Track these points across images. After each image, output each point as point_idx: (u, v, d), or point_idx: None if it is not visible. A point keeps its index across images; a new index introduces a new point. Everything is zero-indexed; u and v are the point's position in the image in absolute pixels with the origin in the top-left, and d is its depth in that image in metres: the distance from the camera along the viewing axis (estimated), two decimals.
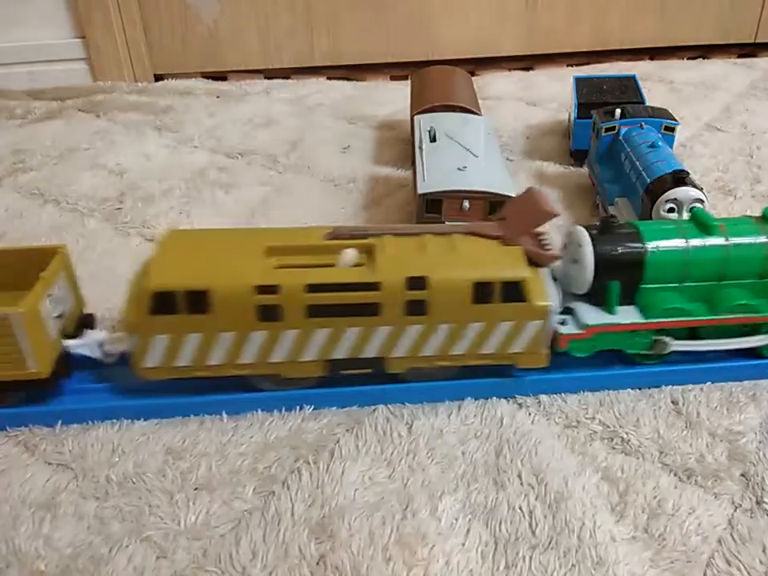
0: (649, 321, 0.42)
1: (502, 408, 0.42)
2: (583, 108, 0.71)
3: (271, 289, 0.37)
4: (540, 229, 0.43)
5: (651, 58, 1.10)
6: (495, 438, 0.40)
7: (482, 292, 0.39)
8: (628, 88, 0.74)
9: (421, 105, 0.70)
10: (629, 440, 0.40)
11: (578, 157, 0.73)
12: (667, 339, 0.43)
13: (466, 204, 0.51)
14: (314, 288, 0.37)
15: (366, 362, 0.40)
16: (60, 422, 0.41)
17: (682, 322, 0.43)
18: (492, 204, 0.51)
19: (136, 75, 1.09)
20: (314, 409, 0.42)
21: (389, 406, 0.42)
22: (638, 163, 0.57)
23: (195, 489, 0.37)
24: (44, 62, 1.06)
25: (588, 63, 1.08)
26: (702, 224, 0.43)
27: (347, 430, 0.40)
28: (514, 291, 0.39)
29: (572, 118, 0.75)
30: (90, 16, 1.04)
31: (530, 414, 0.42)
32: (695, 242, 0.43)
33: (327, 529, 0.34)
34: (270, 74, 1.10)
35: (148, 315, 0.37)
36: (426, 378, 0.42)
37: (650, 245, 0.42)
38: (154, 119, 0.90)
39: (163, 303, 0.37)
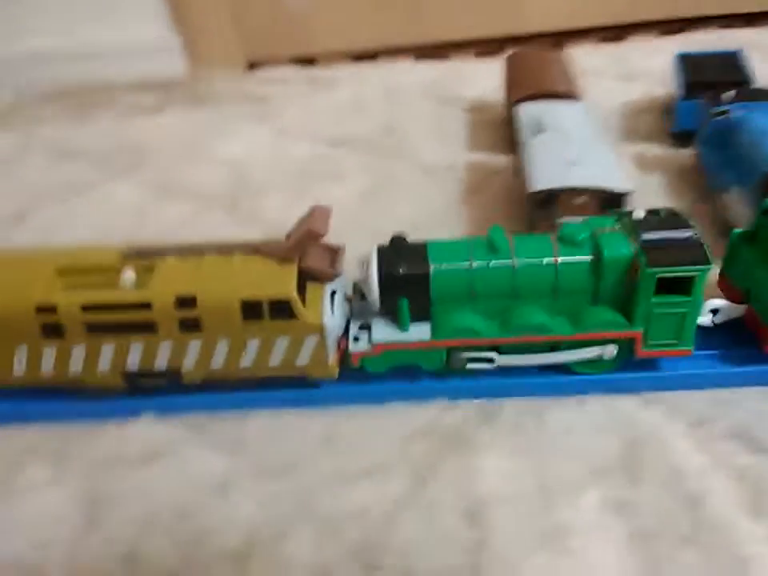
0: (431, 340, 0.43)
1: (627, 404, 0.44)
2: (688, 88, 0.70)
3: (51, 308, 0.41)
4: (334, 243, 0.44)
5: (750, 25, 1.05)
6: (624, 434, 0.41)
7: (251, 309, 0.41)
8: (734, 65, 0.72)
9: (520, 92, 0.71)
10: (761, 438, 0.40)
11: (679, 138, 0.72)
12: (464, 356, 0.44)
13: (581, 200, 0.53)
14: (89, 308, 0.41)
15: (161, 374, 0.43)
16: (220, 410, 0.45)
17: (465, 340, 0.43)
18: (605, 199, 0.53)
19: (230, 64, 1.13)
20: (449, 400, 0.45)
21: (516, 399, 0.45)
22: (753, 150, 0.57)
23: (350, 474, 0.41)
24: (141, 55, 1.10)
25: (681, 32, 1.05)
26: (490, 244, 0.43)
27: (482, 422, 0.43)
28: (283, 308, 0.41)
29: (675, 97, 0.74)
30: (186, 7, 1.07)
31: (656, 411, 0.43)
32: (480, 261, 0.42)
33: (477, 518, 0.37)
34: (357, 55, 1.12)
35: None
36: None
37: (434, 263, 0.43)
38: (255, 109, 0.94)
39: None
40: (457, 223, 0.64)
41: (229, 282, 0.41)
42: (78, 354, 0.42)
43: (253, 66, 1.14)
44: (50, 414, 0.45)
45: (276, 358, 0.43)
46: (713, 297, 0.46)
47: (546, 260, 0.42)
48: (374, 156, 0.78)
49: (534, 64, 0.77)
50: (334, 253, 0.45)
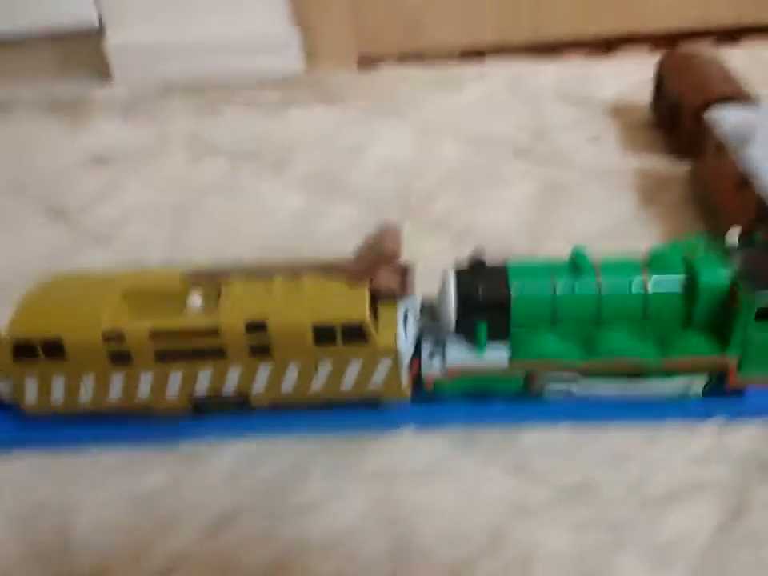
0: (510, 365, 0.42)
1: None
2: None
3: (118, 335, 0.40)
4: (404, 261, 0.43)
5: None
6: None
7: (324, 334, 0.40)
8: None
9: (699, 95, 0.69)
10: None
11: None
12: (544, 381, 0.42)
13: None
14: (157, 335, 0.40)
15: (229, 398, 0.43)
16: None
17: (546, 365, 0.42)
18: None
19: (345, 60, 1.12)
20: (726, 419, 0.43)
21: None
22: None
23: (656, 498, 0.39)
24: (260, 50, 1.10)
25: None
26: (574, 264, 0.41)
27: None
28: (356, 332, 0.40)
29: None
30: (306, 3, 1.07)
31: None
32: (564, 285, 0.41)
33: None
34: (467, 53, 1.11)
35: (12, 362, 0.41)
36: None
37: (516, 288, 0.41)
38: (383, 107, 0.93)
39: (24, 351, 0.40)
40: (639, 235, 0.60)
41: (299, 305, 0.40)
42: (145, 381, 0.42)
43: (365, 62, 1.14)
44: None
45: (348, 382, 0.42)
46: None
47: (635, 285, 0.41)
48: (531, 161, 0.76)
49: (698, 66, 0.75)
50: (404, 272, 0.43)
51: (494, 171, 0.74)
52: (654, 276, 0.41)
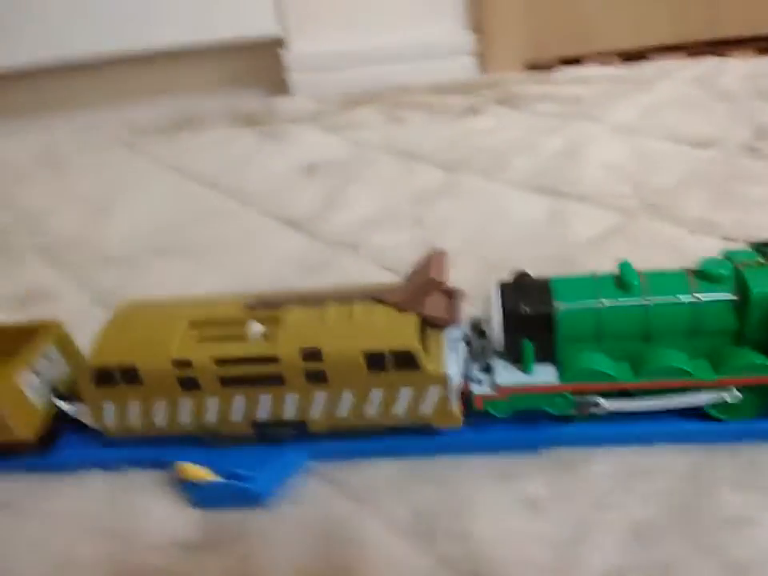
0: (561, 383, 0.41)
1: None
2: None
3: (186, 363, 0.42)
4: (451, 287, 0.43)
5: None
6: None
7: (375, 361, 0.41)
8: None
9: None
10: None
11: None
12: (591, 400, 0.41)
13: None
14: (222, 362, 0.42)
15: (289, 423, 0.44)
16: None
17: (598, 384, 0.40)
18: None
19: (522, 65, 1.13)
20: None
21: None
22: None
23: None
24: (438, 58, 1.12)
25: None
26: (620, 281, 0.40)
27: None
28: (406, 359, 0.40)
29: None
30: (481, 10, 1.08)
31: None
32: (609, 300, 0.40)
33: None
34: (630, 55, 1.10)
35: (93, 386, 0.44)
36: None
37: (560, 302, 0.40)
38: (574, 109, 0.93)
39: (104, 377, 0.43)
40: None
41: (352, 333, 0.41)
42: (212, 405, 0.44)
43: (537, 65, 1.14)
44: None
45: (400, 408, 0.42)
46: None
47: (683, 298, 0.39)
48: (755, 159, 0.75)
49: None
50: (452, 297, 0.44)
51: (733, 168, 0.73)
52: (703, 288, 0.40)
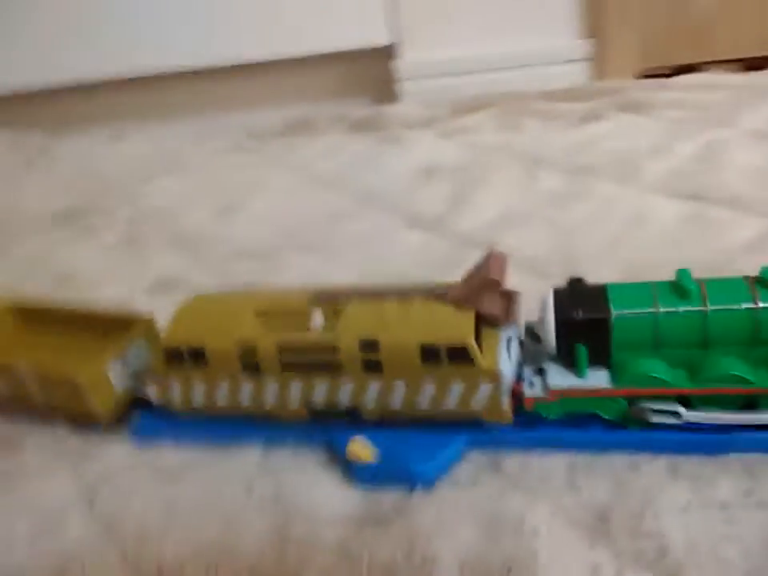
0: (614, 387, 0.40)
1: None
2: None
3: (251, 347, 0.44)
4: (510, 289, 0.43)
5: None
6: None
7: (429, 353, 0.41)
8: None
9: None
10: None
11: None
12: (647, 406, 0.40)
13: None
14: (284, 348, 0.44)
15: (343, 411, 0.45)
16: None
17: (652, 390, 0.40)
18: None
19: (636, 72, 1.11)
20: None
21: None
22: None
23: None
24: (550, 64, 1.11)
25: None
26: (678, 287, 0.40)
27: None
28: (460, 354, 0.41)
29: None
30: (597, 17, 1.07)
31: None
32: (667, 306, 0.39)
33: None
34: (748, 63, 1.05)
35: (164, 366, 0.47)
36: None
37: (616, 308, 0.40)
38: (703, 115, 0.90)
39: (173, 356, 0.46)
40: None
41: (408, 326, 0.42)
42: (271, 389, 0.46)
43: (651, 71, 1.12)
44: None
45: (452, 401, 0.43)
46: None
47: (743, 305, 0.38)
48: None
49: None
50: (510, 298, 0.44)
51: None
52: (763, 296, 0.39)
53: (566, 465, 0.43)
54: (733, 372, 0.39)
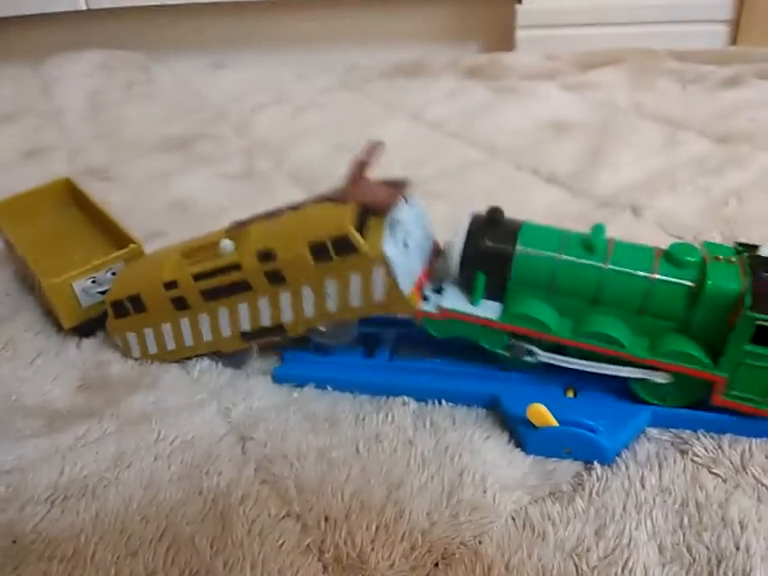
0: (498, 321, 0.41)
1: None
2: None
3: (173, 284, 0.46)
4: (399, 178, 0.44)
5: None
6: None
7: (319, 251, 0.42)
8: None
9: None
10: None
11: None
12: (524, 345, 0.41)
13: None
14: (198, 277, 0.45)
15: (269, 330, 0.46)
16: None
17: (533, 331, 0.40)
18: None
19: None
20: None
21: None
22: None
23: None
24: (687, 22, 1.03)
25: None
26: (587, 241, 0.39)
27: None
28: (344, 244, 0.41)
29: None
30: None
31: None
32: (570, 255, 0.39)
33: None
34: None
35: (114, 320, 0.50)
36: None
37: (522, 245, 0.40)
38: None
39: (119, 309, 0.49)
40: None
41: (297, 231, 0.43)
42: (204, 322, 0.47)
43: None
44: None
45: (355, 297, 0.43)
46: None
47: (641, 273, 0.38)
48: None
49: None
50: (398, 187, 0.43)
51: None
52: (663, 269, 0.38)
53: (762, 451, 0.39)
54: (608, 332, 0.39)
